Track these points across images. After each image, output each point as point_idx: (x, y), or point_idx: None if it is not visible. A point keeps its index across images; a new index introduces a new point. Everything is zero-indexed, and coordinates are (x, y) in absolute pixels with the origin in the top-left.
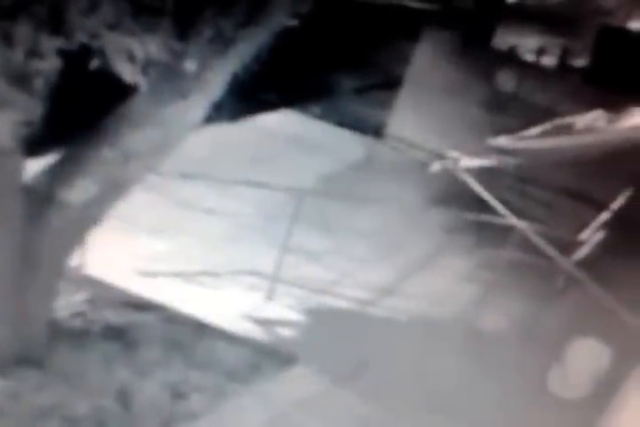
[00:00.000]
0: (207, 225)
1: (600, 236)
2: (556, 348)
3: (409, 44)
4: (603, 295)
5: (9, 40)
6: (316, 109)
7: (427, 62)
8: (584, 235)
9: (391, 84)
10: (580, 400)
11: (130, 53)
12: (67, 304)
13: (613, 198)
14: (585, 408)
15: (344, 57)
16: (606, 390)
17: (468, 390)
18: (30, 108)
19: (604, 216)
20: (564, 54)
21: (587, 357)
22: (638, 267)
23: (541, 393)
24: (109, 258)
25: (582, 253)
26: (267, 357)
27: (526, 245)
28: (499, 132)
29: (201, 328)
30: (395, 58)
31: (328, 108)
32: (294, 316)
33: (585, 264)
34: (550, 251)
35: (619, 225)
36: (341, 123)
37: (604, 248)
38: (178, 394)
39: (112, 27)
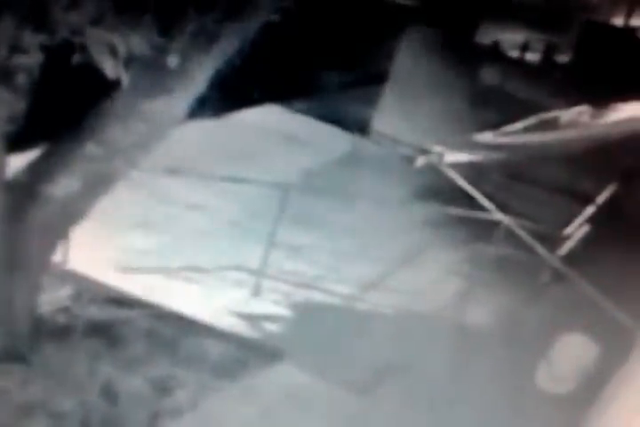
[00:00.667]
0: (192, 221)
1: (585, 230)
2: (542, 343)
3: (393, 40)
4: (588, 290)
5: None
6: (301, 105)
7: (411, 58)
8: (569, 230)
9: (376, 79)
10: (566, 395)
11: (112, 49)
12: (51, 300)
13: (599, 193)
14: (571, 403)
15: (329, 53)
16: (592, 384)
17: (454, 385)
18: (13, 104)
19: (590, 211)
20: (549, 49)
21: (572, 351)
22: (623, 261)
23: (527, 388)
24: (94, 253)
25: (567, 247)
26: (253, 352)
27: (512, 240)
28: (483, 127)
29: (186, 324)
30: (379, 53)
31: (313, 103)
32: (280, 311)
33: (570, 259)
34: (536, 246)
35: (604, 220)
36: (326, 118)
37: (590, 243)
38: (163, 390)
39: (94, 22)
